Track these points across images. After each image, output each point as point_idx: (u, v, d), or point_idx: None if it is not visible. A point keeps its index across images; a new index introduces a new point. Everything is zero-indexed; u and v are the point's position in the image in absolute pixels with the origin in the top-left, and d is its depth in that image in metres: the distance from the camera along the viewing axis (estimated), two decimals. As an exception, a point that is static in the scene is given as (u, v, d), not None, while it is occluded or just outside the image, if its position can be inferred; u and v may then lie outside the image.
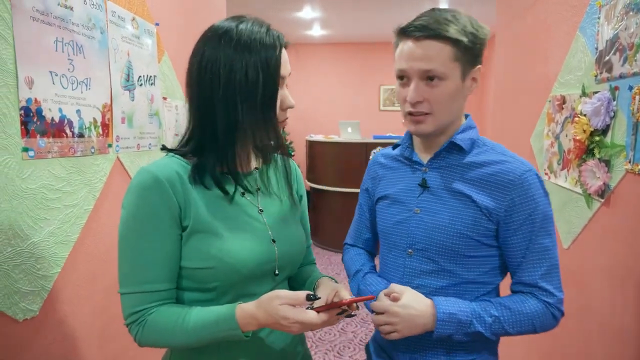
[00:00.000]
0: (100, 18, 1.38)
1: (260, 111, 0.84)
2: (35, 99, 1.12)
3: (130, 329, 0.85)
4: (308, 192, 5.91)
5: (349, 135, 5.11)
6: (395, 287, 0.97)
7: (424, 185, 1.03)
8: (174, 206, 0.83)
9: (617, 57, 1.33)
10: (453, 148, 1.02)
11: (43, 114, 1.14)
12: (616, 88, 1.35)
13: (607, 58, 1.38)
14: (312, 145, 5.43)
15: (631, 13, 1.26)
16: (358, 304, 0.86)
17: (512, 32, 2.24)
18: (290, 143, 6.12)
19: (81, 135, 1.30)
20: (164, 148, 0.93)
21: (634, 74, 1.25)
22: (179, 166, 0.86)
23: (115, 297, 1.47)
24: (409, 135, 1.10)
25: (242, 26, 0.84)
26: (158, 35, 1.78)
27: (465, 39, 0.92)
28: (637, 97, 1.23)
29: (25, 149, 1.09)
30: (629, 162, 1.27)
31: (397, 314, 0.93)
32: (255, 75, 0.82)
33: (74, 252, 1.29)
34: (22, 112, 1.08)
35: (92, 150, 1.35)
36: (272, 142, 0.90)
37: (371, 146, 4.89)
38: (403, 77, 0.98)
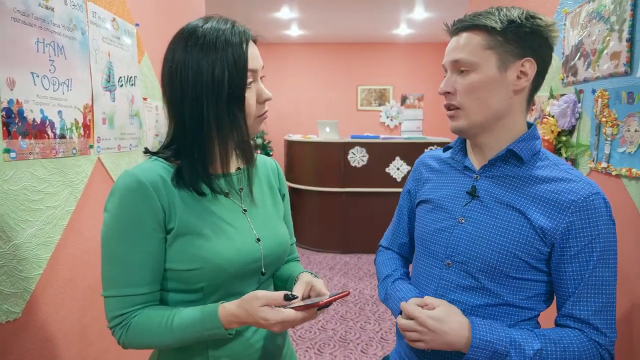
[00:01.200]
0: (81, 19, 1.38)
1: (225, 108, 0.84)
2: (17, 100, 1.11)
3: (114, 332, 0.86)
4: (287, 192, 5.93)
5: (327, 134, 5.16)
6: (429, 299, 0.91)
7: (472, 194, 0.95)
8: (158, 210, 0.84)
9: (581, 62, 1.42)
10: (511, 157, 0.94)
11: (25, 115, 1.14)
12: (581, 91, 1.43)
13: (572, 63, 1.47)
14: (290, 145, 5.45)
15: (594, 21, 1.34)
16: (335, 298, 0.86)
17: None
18: (269, 143, 6.13)
19: (63, 137, 1.29)
20: (146, 151, 0.94)
21: (597, 78, 1.33)
22: (163, 169, 0.87)
23: (97, 299, 1.48)
24: (462, 140, 1.03)
25: (207, 25, 0.85)
26: (138, 36, 1.78)
27: (499, 26, 0.86)
28: (599, 100, 1.31)
29: (7, 150, 1.09)
30: (593, 160, 1.35)
31: (428, 325, 0.85)
32: (221, 73, 0.82)
33: (56, 254, 1.28)
34: (4, 113, 1.07)
35: (74, 152, 1.35)
36: (235, 141, 0.89)
37: (349, 146, 4.95)
38: (446, 74, 0.96)
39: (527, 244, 0.88)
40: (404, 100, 6.67)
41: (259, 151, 5.68)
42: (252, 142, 0.96)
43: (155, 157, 0.90)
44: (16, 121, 1.11)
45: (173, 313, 0.84)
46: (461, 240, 0.94)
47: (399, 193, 5.25)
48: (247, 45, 0.86)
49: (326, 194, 5.09)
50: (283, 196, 1.10)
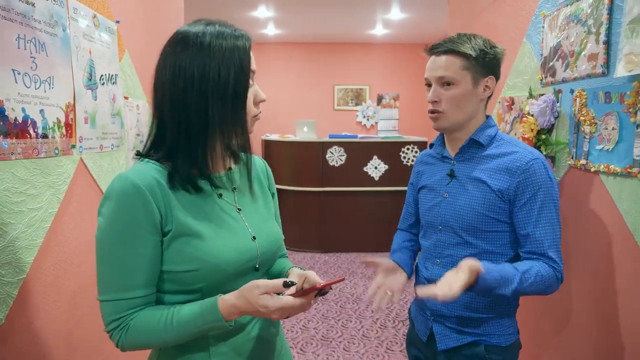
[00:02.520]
0: (62, 15, 1.33)
1: (230, 108, 0.86)
2: (-2, 99, 1.07)
3: (112, 335, 0.85)
4: (264, 192, 5.90)
5: (305, 134, 5.16)
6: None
7: (451, 175, 1.26)
8: (155, 213, 0.84)
9: (559, 63, 1.47)
10: (473, 144, 1.23)
11: (6, 113, 1.10)
12: (559, 91, 1.48)
13: (551, 64, 1.52)
14: (268, 145, 5.43)
15: (572, 24, 1.40)
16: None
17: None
18: (246, 142, 6.08)
19: (45, 136, 1.25)
20: (138, 154, 0.94)
21: (575, 79, 1.39)
22: (156, 172, 0.87)
23: (81, 302, 1.44)
24: (441, 136, 1.32)
25: (210, 28, 0.87)
26: (119, 34, 1.74)
27: (473, 53, 1.16)
28: (577, 99, 1.37)
29: (-11, 151, 1.05)
30: (572, 157, 1.41)
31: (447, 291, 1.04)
32: (227, 74, 0.85)
33: (39, 257, 1.24)
34: (-15, 112, 1.03)
35: (56, 152, 1.31)
36: (239, 139, 0.92)
37: (327, 145, 4.97)
38: (428, 84, 1.24)
39: (491, 205, 1.17)
40: (380, 99, 6.74)
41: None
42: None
43: (147, 160, 0.90)
44: (-3, 120, 1.07)
45: (172, 311, 0.84)
46: (447, 210, 1.25)
47: (376, 192, 5.34)
48: (249, 47, 0.90)
49: (304, 193, 5.10)
50: (273, 195, 1.12)
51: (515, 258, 1.21)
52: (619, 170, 1.18)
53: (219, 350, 0.91)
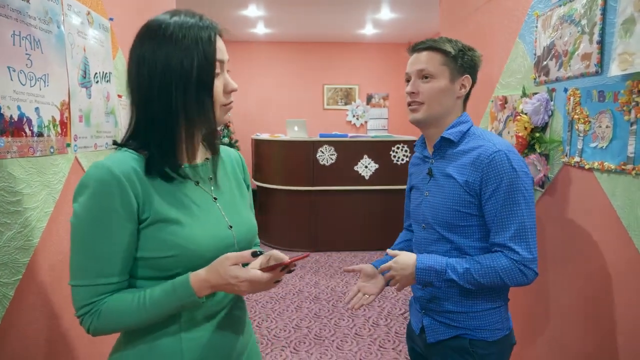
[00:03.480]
0: (56, 11, 1.31)
1: (194, 96, 0.87)
2: (-6, 96, 1.05)
3: (82, 320, 0.87)
4: (255, 191, 5.88)
5: (295, 133, 5.15)
6: (395, 252, 1.25)
7: (430, 174, 1.29)
8: (132, 201, 0.85)
9: (553, 63, 1.49)
10: (444, 141, 1.26)
11: (2, 111, 1.08)
12: (553, 90, 1.51)
13: (544, 63, 1.54)
14: (258, 145, 5.41)
15: (565, 24, 1.42)
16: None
17: (455, 36, 2.40)
18: (236, 142, 6.05)
19: (40, 134, 1.24)
20: (115, 143, 0.95)
21: (569, 78, 1.41)
22: (134, 160, 0.88)
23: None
24: (423, 137, 1.36)
25: (175, 18, 0.89)
26: (112, 31, 1.72)
27: (452, 51, 1.22)
28: (571, 98, 1.39)
29: (-15, 149, 1.03)
30: (566, 155, 1.43)
31: (393, 268, 1.21)
32: (190, 62, 0.86)
33: (35, 257, 1.22)
34: (-19, 109, 1.01)
35: (52, 150, 1.29)
36: (205, 128, 0.93)
37: (318, 144, 4.97)
38: (407, 79, 1.28)
39: (460, 199, 1.20)
40: (369, 99, 6.76)
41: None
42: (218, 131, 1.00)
43: (124, 148, 0.91)
44: (-7, 118, 1.05)
45: (144, 292, 0.86)
46: (427, 208, 1.29)
47: (367, 191, 5.34)
48: (215, 37, 0.90)
49: (295, 192, 5.09)
50: (247, 186, 1.14)
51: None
52: (613, 167, 1.21)
53: (191, 335, 0.92)
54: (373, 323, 3.40)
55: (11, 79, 1.11)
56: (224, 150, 1.09)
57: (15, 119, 1.13)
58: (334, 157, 5.01)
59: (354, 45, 6.64)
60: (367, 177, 5.06)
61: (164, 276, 0.88)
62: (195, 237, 0.89)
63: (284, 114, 6.55)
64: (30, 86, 1.19)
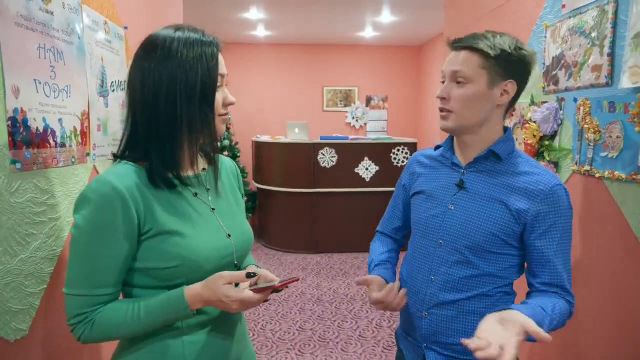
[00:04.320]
0: (77, 22, 1.33)
1: (197, 108, 0.91)
2: (21, 109, 1.07)
3: (74, 328, 0.89)
4: (255, 193, 5.90)
5: (296, 135, 5.17)
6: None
7: (460, 185, 1.14)
8: (133, 216, 0.88)
9: (562, 73, 1.53)
10: (491, 156, 1.12)
11: (28, 124, 1.10)
12: (562, 99, 1.54)
13: (553, 73, 1.58)
14: (258, 146, 5.43)
15: (575, 35, 1.45)
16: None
17: (460, 42, 2.43)
18: (236, 144, 6.06)
19: (63, 145, 1.25)
20: (115, 155, 0.97)
21: (578, 88, 1.45)
22: (134, 173, 0.91)
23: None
24: (451, 139, 1.21)
25: (179, 33, 0.92)
26: (126, 39, 1.74)
27: (492, 52, 1.05)
28: (581, 108, 1.42)
29: (13, 161, 1.04)
30: (575, 163, 1.47)
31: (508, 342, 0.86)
32: (194, 79, 0.90)
33: (58, 267, 1.24)
34: (10, 122, 1.03)
35: (73, 160, 1.31)
36: (206, 138, 0.96)
37: (318, 146, 5.00)
38: (442, 79, 1.14)
39: (505, 226, 1.08)
40: (368, 101, 6.79)
41: (226, 152, 5.61)
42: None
43: (124, 161, 0.94)
44: (21, 130, 1.07)
45: (139, 303, 0.89)
46: (451, 223, 1.13)
47: (368, 193, 5.37)
48: (217, 52, 0.94)
49: (296, 194, 5.11)
50: (242, 195, 1.18)
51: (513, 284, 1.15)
52: (623, 176, 1.24)
53: (193, 338, 0.96)
54: (376, 325, 3.44)
55: (37, 92, 1.13)
56: (219, 159, 1.11)
57: (41, 131, 1.15)
58: (334, 159, 5.03)
59: (353, 47, 6.66)
60: (367, 179, 5.09)
61: (164, 286, 0.92)
62: (197, 248, 0.92)
63: (283, 115, 6.57)
64: (54, 97, 1.20)
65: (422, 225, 1.20)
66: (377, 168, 5.09)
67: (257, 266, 1.10)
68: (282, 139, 5.24)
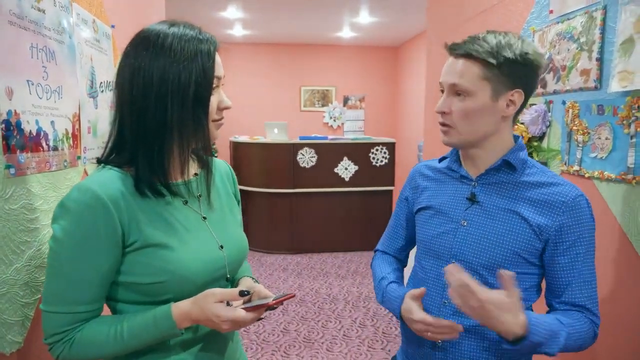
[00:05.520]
0: (68, 21, 1.28)
1: (190, 111, 0.84)
2: (15, 111, 1.02)
3: (53, 347, 0.84)
4: (233, 194, 5.82)
5: (275, 136, 5.15)
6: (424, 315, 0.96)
7: (472, 199, 1.04)
8: (117, 227, 0.82)
9: (551, 76, 1.58)
10: (504, 166, 1.03)
11: (22, 127, 1.05)
12: (550, 102, 1.59)
13: (542, 76, 1.63)
14: (236, 147, 5.37)
15: (563, 40, 1.51)
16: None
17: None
18: (213, 144, 5.98)
19: (55, 149, 1.20)
20: (99, 161, 0.91)
21: (567, 91, 1.50)
22: (119, 180, 0.85)
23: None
24: (456, 150, 1.11)
25: (174, 29, 0.86)
26: (113, 38, 1.68)
27: (494, 61, 0.94)
28: (570, 110, 1.48)
29: (8, 166, 0.99)
30: (565, 164, 1.52)
31: (485, 298, 0.85)
32: (187, 78, 0.83)
33: (51, 275, 1.19)
34: (3, 125, 0.98)
35: (65, 164, 1.26)
36: (199, 144, 0.90)
37: (298, 147, 4.99)
38: (442, 89, 1.04)
39: (525, 242, 0.98)
40: (346, 101, 6.83)
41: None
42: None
43: (108, 166, 0.87)
44: (15, 134, 1.02)
45: (122, 323, 0.83)
46: (465, 241, 1.03)
47: (347, 192, 5.39)
48: (214, 52, 0.88)
49: (275, 195, 5.09)
50: (238, 202, 1.11)
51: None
52: (613, 176, 1.30)
53: (181, 357, 0.90)
54: (360, 324, 3.46)
55: (30, 93, 1.08)
56: (213, 164, 1.04)
57: (34, 134, 1.10)
58: (314, 160, 5.04)
59: (331, 48, 6.69)
60: (347, 179, 5.12)
61: (150, 301, 0.86)
62: (186, 262, 0.86)
63: (261, 115, 6.52)
64: (47, 99, 1.16)
65: (430, 244, 1.09)
66: (357, 168, 5.13)
67: (253, 278, 1.03)
68: (262, 139, 5.20)
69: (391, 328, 3.39)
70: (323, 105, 6.79)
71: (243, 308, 0.85)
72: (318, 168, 5.06)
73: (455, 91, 0.99)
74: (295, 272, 4.59)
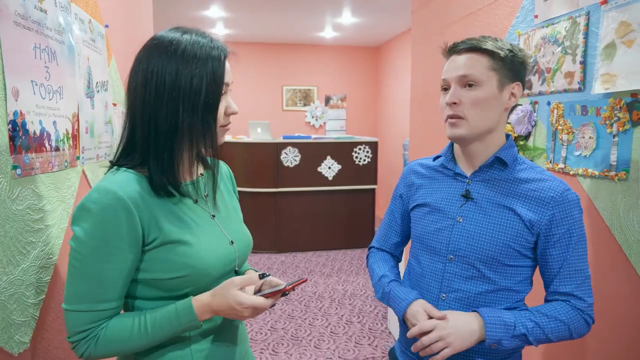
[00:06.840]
0: (67, 21, 1.28)
1: (200, 117, 0.87)
2: (21, 112, 1.02)
3: (77, 345, 0.86)
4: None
5: (258, 135, 5.15)
6: (433, 310, 1.02)
7: (467, 196, 1.09)
8: (137, 227, 0.85)
9: (536, 78, 1.65)
10: (496, 163, 1.08)
11: (27, 127, 1.05)
12: (536, 102, 1.67)
13: (527, 78, 1.70)
14: (220, 146, 5.33)
15: (548, 44, 1.58)
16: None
17: (430, 47, 2.53)
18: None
19: (57, 149, 1.20)
20: (113, 163, 0.94)
21: (552, 92, 1.57)
22: (136, 181, 0.88)
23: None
24: (451, 148, 1.16)
25: (186, 36, 0.89)
26: (107, 38, 1.67)
27: (501, 52, 1.02)
28: (555, 111, 1.55)
29: (14, 167, 0.99)
30: (550, 162, 1.60)
31: (448, 327, 0.98)
32: (199, 83, 0.86)
33: (55, 275, 1.19)
34: (10, 126, 0.98)
35: (65, 164, 1.26)
36: (207, 147, 0.93)
37: (282, 146, 5.01)
38: (445, 87, 1.08)
39: (518, 236, 1.04)
40: (327, 100, 6.87)
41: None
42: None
43: (123, 168, 0.90)
44: (20, 134, 1.02)
45: (145, 317, 0.87)
46: (462, 236, 1.08)
47: (331, 191, 5.45)
48: (224, 59, 0.91)
49: (259, 194, 5.09)
50: (237, 199, 1.17)
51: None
52: (597, 173, 1.37)
53: (200, 347, 0.95)
54: (347, 321, 3.51)
55: (34, 93, 1.08)
56: (218, 166, 1.08)
57: (38, 134, 1.10)
58: (297, 159, 5.06)
59: (313, 47, 6.72)
60: (330, 178, 5.17)
61: (169, 296, 0.90)
62: (204, 257, 0.90)
63: (243, 114, 6.50)
64: (49, 99, 1.15)
65: (427, 240, 1.13)
66: (340, 167, 5.18)
67: (255, 271, 1.10)
68: (245, 139, 5.19)
69: (377, 324, 3.45)
70: (305, 105, 6.81)
71: (261, 295, 0.90)
72: (302, 167, 5.09)
73: (466, 82, 1.03)
74: (280, 271, 4.61)
